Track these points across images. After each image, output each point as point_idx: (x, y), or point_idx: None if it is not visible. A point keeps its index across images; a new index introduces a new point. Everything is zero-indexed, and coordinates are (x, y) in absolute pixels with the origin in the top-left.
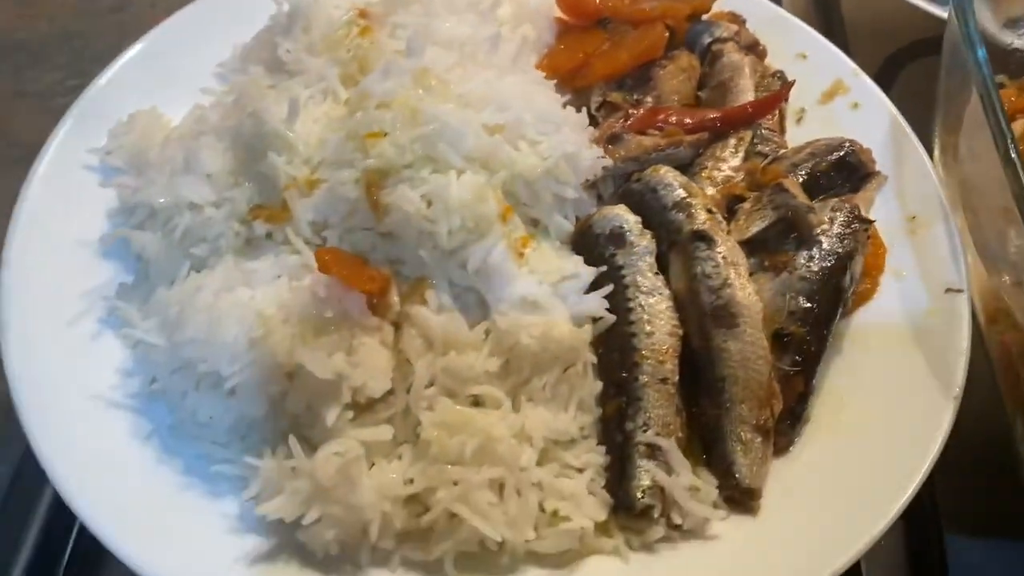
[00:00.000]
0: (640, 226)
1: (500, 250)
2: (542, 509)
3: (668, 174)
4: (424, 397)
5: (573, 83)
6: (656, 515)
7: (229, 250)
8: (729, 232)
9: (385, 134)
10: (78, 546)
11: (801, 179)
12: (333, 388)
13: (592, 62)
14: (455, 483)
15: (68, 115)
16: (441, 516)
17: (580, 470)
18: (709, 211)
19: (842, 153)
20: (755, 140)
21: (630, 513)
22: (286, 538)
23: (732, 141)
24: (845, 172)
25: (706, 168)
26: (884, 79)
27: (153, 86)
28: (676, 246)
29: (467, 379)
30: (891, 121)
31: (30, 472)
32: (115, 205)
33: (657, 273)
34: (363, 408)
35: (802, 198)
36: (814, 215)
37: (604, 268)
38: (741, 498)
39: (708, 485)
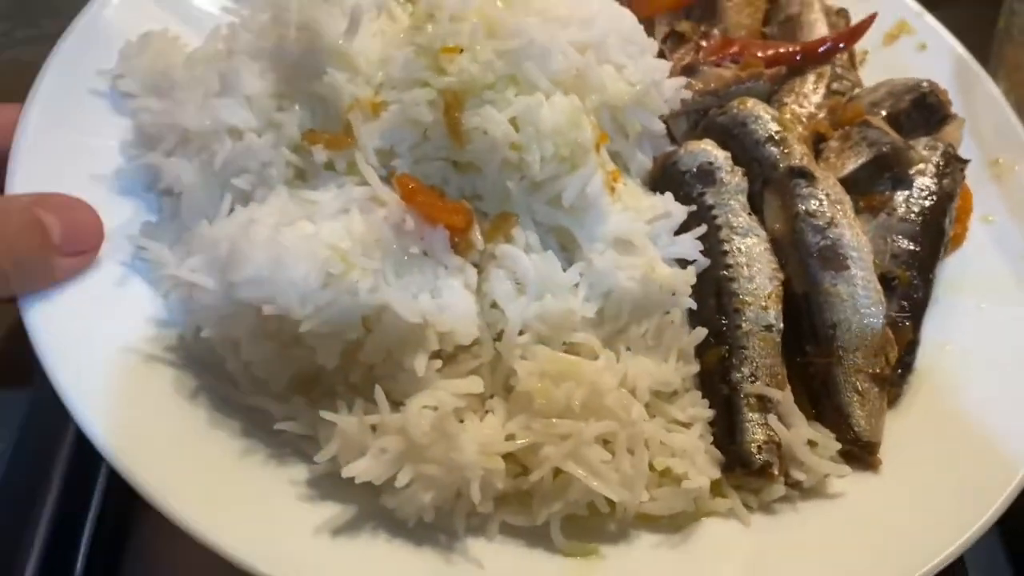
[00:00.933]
0: (730, 162)
1: (597, 182)
2: (652, 467)
3: (758, 106)
4: (517, 345)
5: (635, 11)
6: (775, 472)
7: (280, 181)
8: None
9: (462, 50)
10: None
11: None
12: (418, 334)
13: None
14: (564, 438)
15: (65, 37)
16: (547, 476)
17: (687, 425)
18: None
19: (921, 93)
20: (830, 78)
21: (747, 470)
22: (368, 506)
23: (811, 77)
24: (925, 113)
25: (786, 104)
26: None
27: (156, 9)
28: (772, 183)
29: (563, 326)
30: (959, 62)
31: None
32: (129, 137)
33: (751, 213)
34: (448, 358)
35: (894, 136)
36: (914, 153)
37: (693, 208)
38: (860, 453)
39: (827, 438)
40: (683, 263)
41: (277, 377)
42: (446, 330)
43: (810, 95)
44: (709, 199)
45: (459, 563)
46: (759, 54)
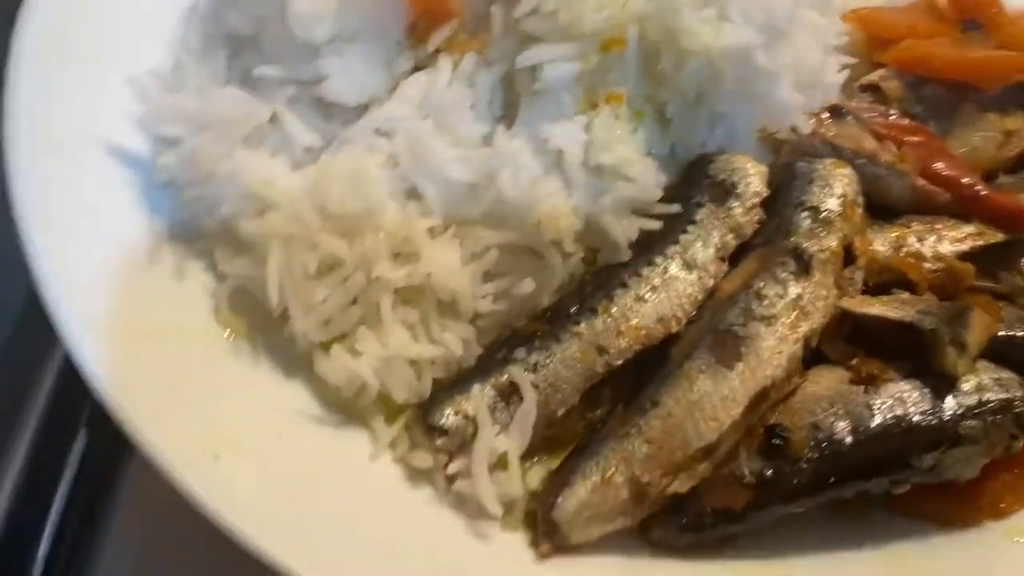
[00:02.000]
0: (756, 202)
1: (569, 70)
2: None
3: (845, 178)
4: None
5: (873, 50)
6: (444, 450)
7: None
8: (839, 289)
9: None
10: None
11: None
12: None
13: (915, 43)
14: None
15: None
16: None
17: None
18: (845, 249)
19: None
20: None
21: (423, 422)
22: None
23: (969, 229)
24: None
25: (908, 227)
26: None
27: None
28: (765, 247)
29: None
30: None
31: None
32: None
33: (723, 259)
34: None
35: (972, 339)
36: (962, 362)
37: (677, 208)
38: (544, 525)
39: (512, 476)
40: None
41: None
42: None
43: (948, 242)
44: (699, 215)
45: None
46: (940, 166)
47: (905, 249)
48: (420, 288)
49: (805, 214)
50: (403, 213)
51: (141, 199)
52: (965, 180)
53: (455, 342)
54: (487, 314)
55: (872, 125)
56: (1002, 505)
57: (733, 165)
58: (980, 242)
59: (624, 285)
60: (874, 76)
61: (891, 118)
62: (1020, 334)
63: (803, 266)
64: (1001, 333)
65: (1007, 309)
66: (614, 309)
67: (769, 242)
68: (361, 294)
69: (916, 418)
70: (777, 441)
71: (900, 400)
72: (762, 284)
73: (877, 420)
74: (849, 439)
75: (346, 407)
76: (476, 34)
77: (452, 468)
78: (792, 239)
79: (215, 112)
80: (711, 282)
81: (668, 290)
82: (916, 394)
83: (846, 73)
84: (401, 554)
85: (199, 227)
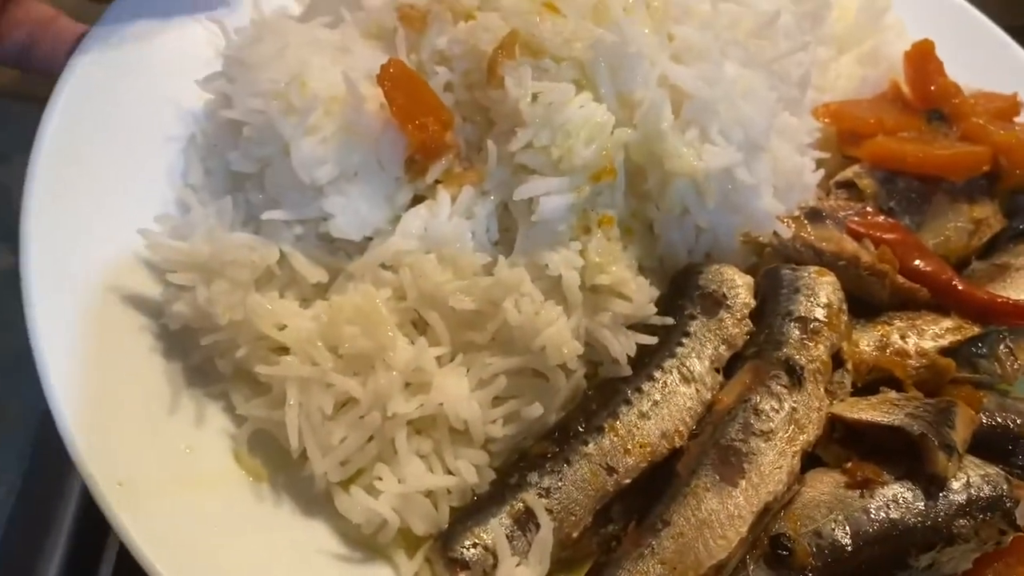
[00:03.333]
0: (745, 313)
1: (560, 203)
2: None
3: (829, 286)
4: None
5: (845, 143)
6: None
7: None
8: (831, 396)
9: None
10: None
11: (987, 424)
12: None
13: (884, 136)
14: None
15: None
16: None
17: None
18: (833, 356)
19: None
20: (980, 350)
21: (443, 555)
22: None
23: (948, 324)
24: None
25: (891, 325)
26: None
27: None
28: (757, 358)
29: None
30: None
31: None
32: None
33: (718, 370)
34: None
35: (959, 438)
36: (952, 463)
37: (670, 320)
38: None
39: None
40: None
41: None
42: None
43: (927, 336)
44: (692, 327)
45: None
46: (918, 263)
47: (890, 348)
48: (433, 417)
49: (793, 325)
50: (412, 345)
51: (157, 344)
52: (943, 276)
53: (469, 470)
54: (499, 439)
55: (850, 224)
56: None
57: (722, 277)
58: (959, 336)
59: (628, 402)
60: (848, 173)
61: (867, 215)
62: (1001, 423)
63: (796, 378)
64: (984, 422)
65: (988, 397)
66: (619, 427)
67: (761, 353)
68: (377, 431)
69: (911, 520)
70: (782, 552)
71: (895, 503)
72: (758, 398)
73: (875, 524)
74: (849, 545)
75: (368, 542)
76: (471, 165)
77: None
78: (783, 351)
79: (226, 258)
80: (708, 395)
81: (669, 405)
82: (910, 495)
83: (822, 172)
84: None
85: (214, 370)
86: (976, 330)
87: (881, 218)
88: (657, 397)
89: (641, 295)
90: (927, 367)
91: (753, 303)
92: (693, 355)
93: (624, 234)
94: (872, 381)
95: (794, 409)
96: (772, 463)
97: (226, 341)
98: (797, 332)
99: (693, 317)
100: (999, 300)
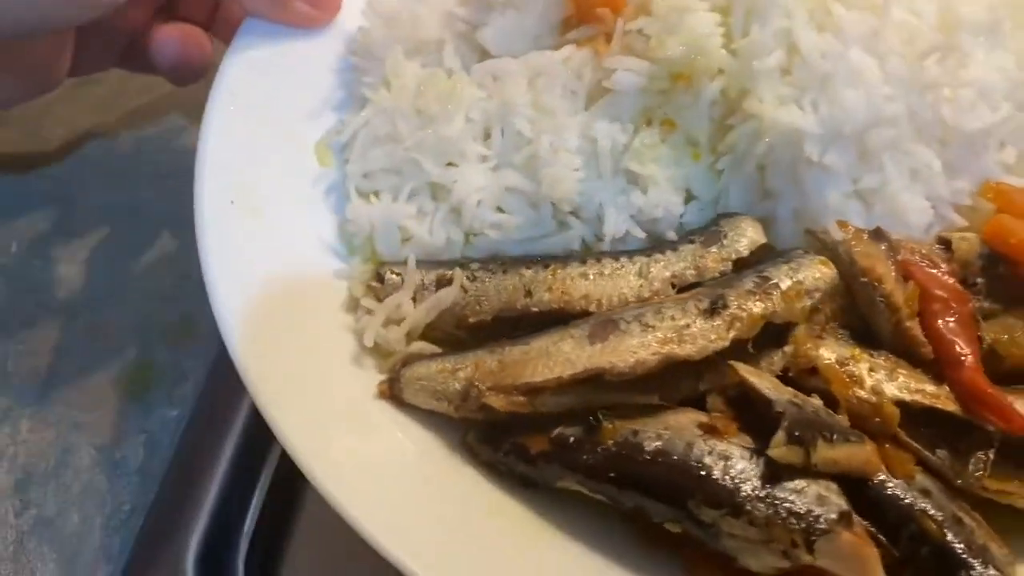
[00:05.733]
0: (732, 257)
1: (635, 81)
2: None
3: (817, 272)
4: None
5: None
6: (372, 292)
7: None
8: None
9: None
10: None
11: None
12: None
13: (1008, 219)
14: None
15: None
16: None
17: None
18: (776, 330)
19: None
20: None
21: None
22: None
23: (930, 388)
24: None
25: (871, 357)
26: None
27: None
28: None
29: None
30: None
31: None
32: None
33: (673, 286)
34: None
35: (822, 454)
36: (790, 454)
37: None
38: (391, 373)
39: (399, 333)
40: None
41: None
42: None
43: (897, 387)
44: (682, 246)
45: None
46: (947, 324)
47: (846, 368)
48: (444, 188)
49: (753, 277)
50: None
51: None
52: (958, 346)
53: (440, 236)
54: (479, 235)
55: (906, 264)
56: None
57: (739, 224)
58: (927, 403)
59: (582, 261)
60: (955, 232)
61: (932, 263)
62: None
63: (711, 309)
64: (906, 500)
65: (928, 479)
66: (559, 272)
67: (709, 285)
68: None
69: (716, 474)
70: (594, 421)
71: (722, 456)
72: (668, 306)
73: (683, 456)
74: (649, 454)
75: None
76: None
77: (364, 303)
78: (724, 289)
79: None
80: (648, 296)
81: (610, 281)
82: (740, 463)
83: (932, 224)
84: None
85: None
86: (951, 409)
87: (948, 278)
88: (606, 271)
89: (660, 199)
90: (871, 404)
91: (745, 254)
92: (662, 263)
93: (687, 149)
94: (808, 388)
95: (687, 326)
96: (629, 347)
97: None
98: (751, 284)
99: (691, 241)
100: (991, 393)
